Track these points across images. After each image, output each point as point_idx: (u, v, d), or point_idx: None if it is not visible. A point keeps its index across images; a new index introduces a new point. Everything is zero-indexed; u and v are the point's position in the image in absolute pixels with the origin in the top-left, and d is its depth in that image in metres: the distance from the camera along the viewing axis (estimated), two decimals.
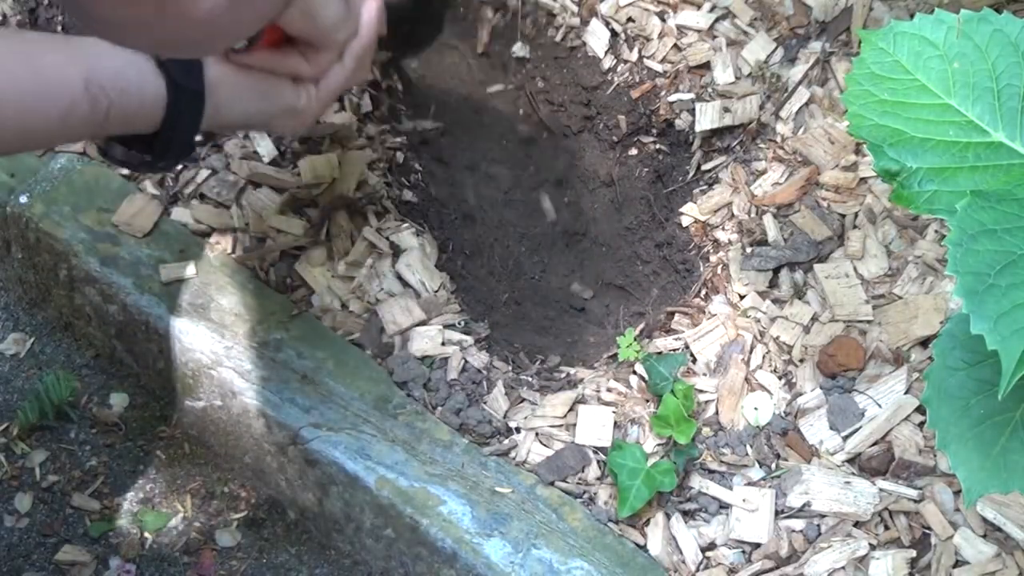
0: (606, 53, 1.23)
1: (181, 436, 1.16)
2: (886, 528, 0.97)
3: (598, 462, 1.02)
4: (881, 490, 0.97)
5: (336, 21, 0.89)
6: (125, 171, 1.16)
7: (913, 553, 0.95)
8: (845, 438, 1.00)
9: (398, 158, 1.20)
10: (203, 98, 0.86)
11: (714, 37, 1.21)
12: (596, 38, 1.23)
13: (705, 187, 1.18)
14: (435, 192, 1.22)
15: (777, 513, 0.98)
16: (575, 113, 1.25)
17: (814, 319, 1.06)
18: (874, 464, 0.99)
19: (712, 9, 1.22)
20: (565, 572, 0.96)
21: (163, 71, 0.83)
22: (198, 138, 0.90)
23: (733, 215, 1.14)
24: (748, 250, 1.11)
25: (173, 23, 0.63)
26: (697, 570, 0.97)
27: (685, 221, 1.18)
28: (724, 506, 0.99)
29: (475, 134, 1.26)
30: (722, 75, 1.19)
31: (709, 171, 1.19)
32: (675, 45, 1.21)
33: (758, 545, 0.97)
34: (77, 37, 0.82)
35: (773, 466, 1.00)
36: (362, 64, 0.96)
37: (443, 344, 1.08)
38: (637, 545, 0.98)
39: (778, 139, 1.16)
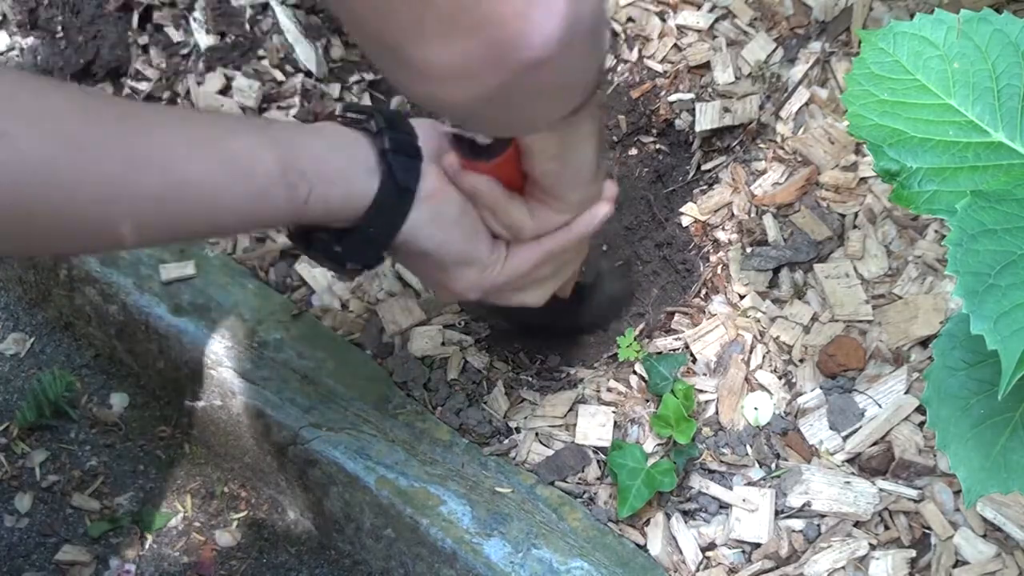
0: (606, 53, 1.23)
1: (181, 436, 1.16)
2: (886, 528, 0.97)
3: (598, 462, 1.02)
4: (881, 490, 0.97)
5: (589, 176, 0.82)
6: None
7: (913, 553, 0.95)
8: (845, 438, 1.00)
9: None
10: (412, 200, 0.78)
11: (714, 37, 1.21)
12: None
13: (705, 187, 1.18)
14: None
15: (777, 513, 0.98)
16: None
17: (814, 319, 1.06)
18: (874, 464, 0.99)
19: (712, 9, 1.22)
20: (565, 572, 0.96)
21: (382, 163, 0.76)
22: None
23: (733, 215, 1.14)
24: (748, 250, 1.11)
25: (498, 66, 0.59)
26: (697, 570, 0.97)
27: (685, 221, 1.18)
28: (724, 506, 0.99)
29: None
30: (722, 75, 1.19)
31: (709, 171, 1.19)
32: (675, 45, 1.21)
33: (758, 545, 0.97)
34: (272, 120, 0.76)
35: (773, 466, 1.00)
36: (560, 269, 0.89)
37: (443, 344, 1.08)
38: (637, 545, 0.98)
39: (778, 139, 1.16)
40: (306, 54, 1.21)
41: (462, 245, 0.82)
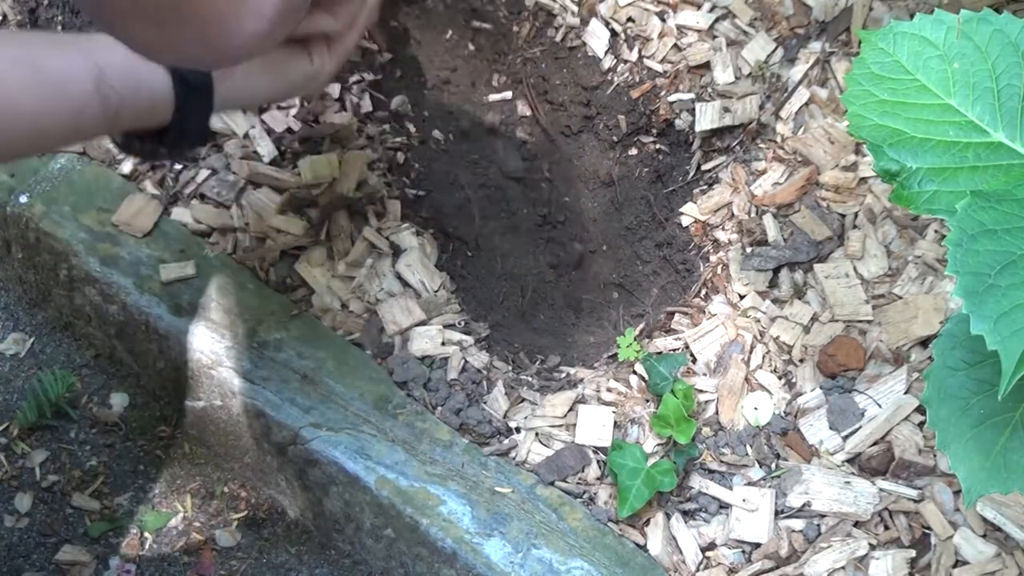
0: (606, 53, 1.23)
1: (181, 436, 1.16)
2: (886, 528, 0.97)
3: (598, 462, 1.02)
4: (881, 490, 0.97)
5: None
6: (126, 171, 1.16)
7: (913, 553, 0.95)
8: (845, 438, 1.00)
9: (398, 158, 1.20)
10: (211, 87, 0.85)
11: (714, 37, 1.21)
12: (596, 38, 1.23)
13: (705, 187, 1.18)
14: (435, 192, 1.22)
15: (777, 513, 0.98)
16: (575, 113, 1.25)
17: (814, 319, 1.06)
18: (874, 464, 0.99)
19: (712, 9, 1.22)
20: (565, 572, 0.96)
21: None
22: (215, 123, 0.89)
23: (733, 215, 1.14)
24: (748, 250, 1.11)
25: (210, 48, 0.64)
26: (697, 570, 0.97)
27: (685, 221, 1.18)
28: (724, 506, 0.99)
29: (475, 134, 1.26)
30: (722, 75, 1.19)
31: (709, 171, 1.19)
32: (675, 45, 1.21)
33: (758, 545, 0.97)
34: (82, 35, 0.81)
35: (773, 466, 1.00)
36: (366, 17, 0.94)
37: (443, 344, 1.08)
38: (637, 545, 0.98)
39: (778, 139, 1.16)
40: None
41: (280, 80, 0.89)
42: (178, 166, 1.16)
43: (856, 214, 1.10)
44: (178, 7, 0.61)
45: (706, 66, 1.20)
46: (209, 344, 1.07)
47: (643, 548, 0.98)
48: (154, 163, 0.90)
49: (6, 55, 0.75)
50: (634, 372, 1.07)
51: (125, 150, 0.89)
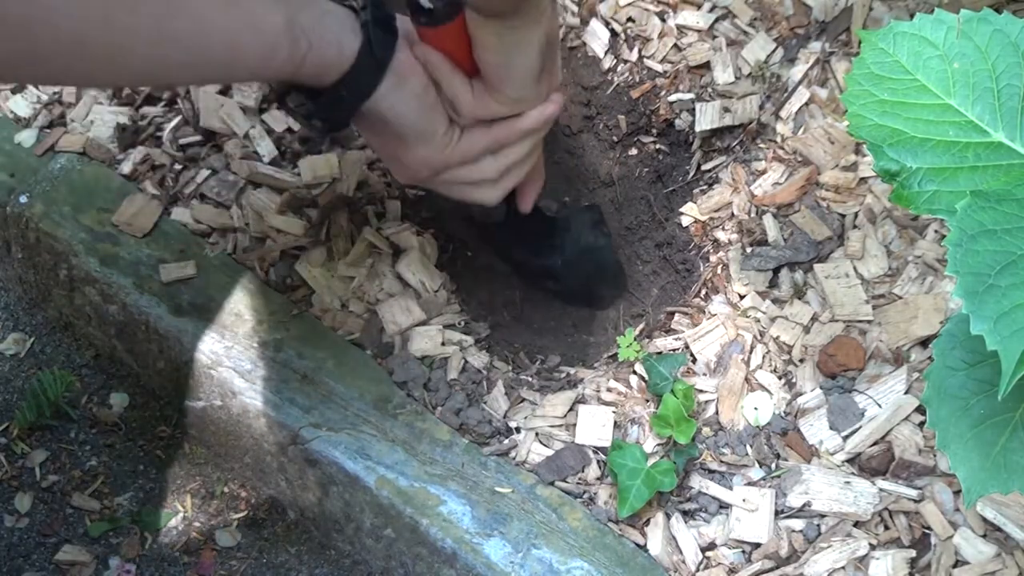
0: (606, 53, 1.23)
1: (181, 436, 1.16)
2: (886, 528, 0.97)
3: (598, 462, 1.02)
4: (881, 490, 0.97)
5: (530, 79, 0.90)
6: (126, 171, 1.16)
7: (913, 553, 0.95)
8: (845, 438, 1.00)
9: None
10: (384, 71, 0.86)
11: (714, 37, 1.21)
12: (596, 38, 1.23)
13: (705, 187, 1.18)
14: (435, 192, 1.22)
15: (777, 513, 0.98)
16: (575, 113, 1.25)
17: (814, 319, 1.06)
18: (874, 464, 0.99)
19: (712, 9, 1.22)
20: (565, 572, 0.96)
21: (363, 31, 0.84)
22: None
23: (733, 215, 1.14)
24: (748, 250, 1.11)
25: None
26: (697, 570, 0.97)
27: (685, 221, 1.18)
28: (724, 506, 0.99)
29: None
30: (722, 75, 1.19)
31: (709, 171, 1.19)
32: (675, 45, 1.21)
33: (758, 545, 0.97)
34: None
35: (773, 466, 1.00)
36: (516, 153, 0.96)
37: (443, 344, 1.08)
38: (637, 545, 0.98)
39: (778, 139, 1.16)
40: None
41: (420, 118, 0.90)
42: (178, 166, 1.16)
43: (856, 214, 1.10)
44: None
45: (706, 66, 1.20)
46: (209, 344, 1.07)
47: (643, 548, 0.98)
48: (304, 123, 0.93)
49: None
50: (634, 372, 1.07)
51: (281, 104, 0.91)
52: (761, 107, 1.17)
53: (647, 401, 1.05)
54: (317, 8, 0.83)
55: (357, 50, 0.84)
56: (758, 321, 1.07)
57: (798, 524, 0.97)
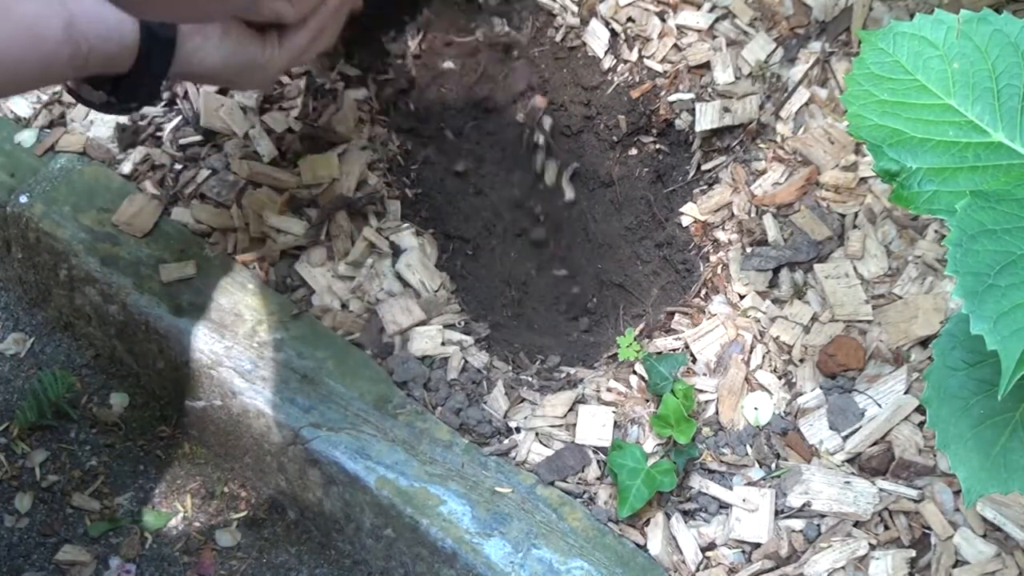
0: (606, 53, 1.23)
1: (181, 436, 1.16)
2: (886, 528, 0.97)
3: (598, 462, 1.02)
4: (881, 490, 0.97)
5: None
6: (126, 171, 1.16)
7: (913, 553, 0.95)
8: (845, 438, 1.00)
9: (398, 158, 1.20)
10: (174, 46, 0.87)
11: (714, 37, 1.21)
12: (596, 38, 1.23)
13: (705, 187, 1.18)
14: (435, 192, 1.22)
15: (777, 513, 0.98)
16: (575, 113, 1.25)
17: (814, 319, 1.06)
18: (874, 464, 0.99)
19: (712, 9, 1.22)
20: (565, 572, 0.96)
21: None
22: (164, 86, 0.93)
23: (733, 215, 1.14)
24: (748, 250, 1.11)
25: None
26: (697, 570, 0.97)
27: (685, 221, 1.18)
28: (724, 506, 0.99)
29: (475, 134, 1.26)
30: (722, 75, 1.19)
31: (709, 171, 1.19)
32: (675, 45, 1.21)
33: (758, 545, 0.97)
34: None
35: (773, 466, 1.00)
36: (328, 28, 0.97)
37: (443, 344, 1.08)
38: (637, 545, 0.98)
39: (778, 139, 1.16)
40: None
41: (232, 59, 0.91)
42: (178, 166, 1.16)
43: (856, 214, 1.10)
44: None
45: (706, 66, 1.20)
46: (209, 344, 1.07)
47: (643, 548, 0.98)
48: (101, 111, 0.94)
49: None
50: (634, 372, 1.07)
51: (74, 96, 0.91)
52: (761, 107, 1.17)
53: (647, 401, 1.05)
54: (96, 4, 0.82)
55: (139, 36, 0.84)
56: (758, 321, 1.07)
57: (798, 524, 0.98)
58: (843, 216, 1.10)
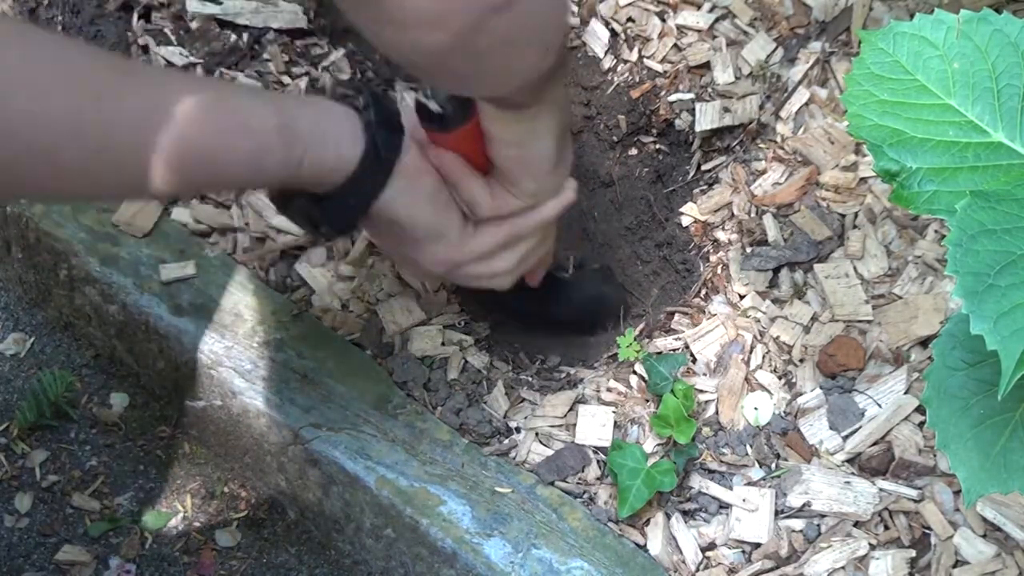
0: (606, 53, 1.23)
1: (181, 436, 1.16)
2: (886, 528, 0.97)
3: (598, 462, 1.02)
4: (881, 490, 0.97)
5: (548, 168, 0.86)
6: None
7: (913, 553, 0.95)
8: (845, 438, 1.00)
9: None
10: (391, 173, 0.82)
11: (714, 37, 1.21)
12: (596, 38, 1.23)
13: (705, 187, 1.18)
14: None
15: (777, 513, 0.98)
16: (575, 113, 1.25)
17: (814, 319, 1.06)
18: (874, 464, 0.99)
19: (712, 9, 1.22)
20: (565, 572, 0.96)
21: (367, 131, 0.80)
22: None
23: (733, 215, 1.14)
24: (748, 250, 1.11)
25: (467, 9, 0.63)
26: (697, 570, 0.97)
27: (685, 221, 1.18)
28: (724, 506, 0.99)
29: None
30: (722, 75, 1.19)
31: (709, 171, 1.19)
32: (675, 45, 1.21)
33: (758, 545, 0.97)
34: (265, 89, 0.78)
35: (773, 466, 1.00)
36: (531, 243, 0.92)
37: (443, 344, 1.08)
38: (637, 545, 0.98)
39: (778, 139, 1.16)
40: None
41: (433, 218, 0.86)
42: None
43: (856, 214, 1.10)
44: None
45: (706, 66, 1.20)
46: (209, 344, 1.07)
47: (643, 548, 0.98)
48: (303, 229, 0.90)
49: (186, 87, 0.72)
50: (634, 372, 1.07)
51: (281, 208, 0.86)
52: (761, 107, 1.17)
53: (647, 401, 1.05)
54: (314, 108, 0.79)
55: (361, 152, 0.79)
56: (758, 321, 1.07)
57: (798, 524, 0.98)
58: (843, 216, 1.10)
